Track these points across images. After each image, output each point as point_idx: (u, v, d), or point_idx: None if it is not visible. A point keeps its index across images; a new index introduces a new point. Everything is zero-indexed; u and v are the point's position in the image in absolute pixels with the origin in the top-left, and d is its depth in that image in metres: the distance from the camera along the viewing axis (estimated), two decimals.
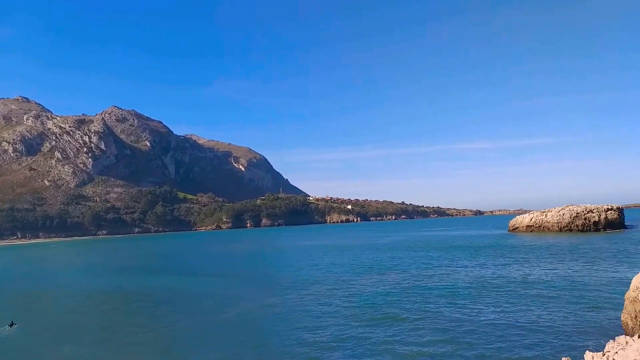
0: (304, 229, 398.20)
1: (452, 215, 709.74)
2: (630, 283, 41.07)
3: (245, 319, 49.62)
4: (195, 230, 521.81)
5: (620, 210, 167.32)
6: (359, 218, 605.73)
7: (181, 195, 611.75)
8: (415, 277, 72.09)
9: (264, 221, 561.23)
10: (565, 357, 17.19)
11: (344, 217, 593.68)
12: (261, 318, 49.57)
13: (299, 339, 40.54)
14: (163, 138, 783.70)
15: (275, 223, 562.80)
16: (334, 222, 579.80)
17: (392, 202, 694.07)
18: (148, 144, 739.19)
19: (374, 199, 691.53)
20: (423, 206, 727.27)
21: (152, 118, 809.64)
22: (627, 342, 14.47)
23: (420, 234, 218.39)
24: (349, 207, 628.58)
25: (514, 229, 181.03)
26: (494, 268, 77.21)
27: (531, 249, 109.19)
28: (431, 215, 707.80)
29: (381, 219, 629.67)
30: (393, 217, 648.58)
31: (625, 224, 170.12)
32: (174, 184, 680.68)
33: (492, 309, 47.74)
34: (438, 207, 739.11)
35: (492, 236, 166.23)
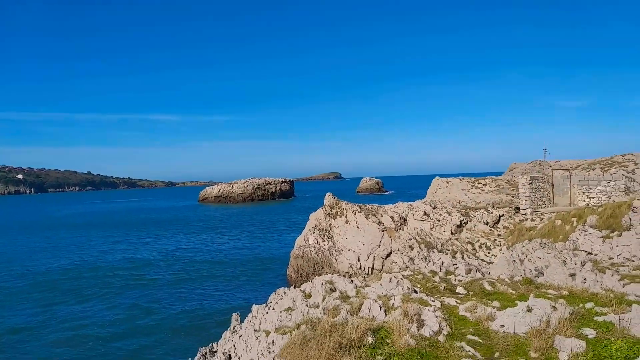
0: None
1: (143, 187, 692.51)
2: (295, 243, 49.14)
3: None
4: None
5: (291, 182, 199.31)
6: (32, 189, 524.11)
7: None
8: (100, 253, 67.60)
9: None
10: (236, 313, 19.00)
11: (12, 189, 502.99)
12: None
13: None
14: None
15: None
16: None
17: (75, 172, 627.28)
18: None
19: (53, 168, 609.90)
20: (112, 177, 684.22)
21: None
22: (285, 293, 17.05)
23: (109, 207, 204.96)
24: (20, 176, 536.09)
25: (203, 200, 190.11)
26: (183, 240, 79.37)
27: (218, 219, 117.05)
28: (121, 187, 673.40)
29: (62, 190, 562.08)
30: (77, 189, 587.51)
31: (295, 194, 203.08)
32: None
33: (172, 275, 49.41)
34: (129, 178, 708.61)
35: (183, 207, 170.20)
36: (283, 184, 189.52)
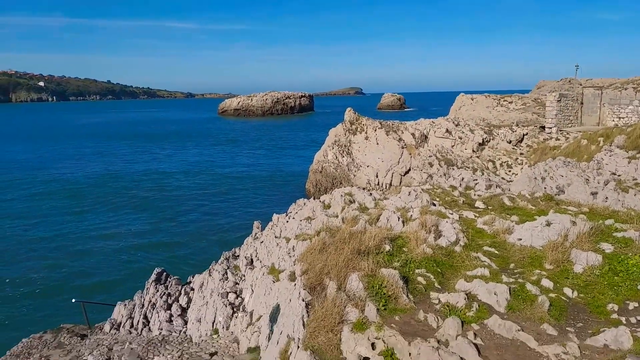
0: None
1: (163, 97, 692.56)
2: (314, 158, 49.51)
3: None
4: None
5: (311, 97, 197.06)
6: (54, 97, 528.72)
7: None
8: (124, 162, 69.26)
9: None
10: (257, 221, 19.66)
11: (35, 96, 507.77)
12: None
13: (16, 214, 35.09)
14: None
15: None
16: (21, 102, 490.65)
17: (95, 81, 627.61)
18: None
19: (74, 76, 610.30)
20: (132, 86, 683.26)
21: None
22: (304, 203, 17.47)
23: (130, 116, 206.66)
24: (41, 83, 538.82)
25: (223, 112, 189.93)
26: (205, 152, 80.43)
27: (238, 132, 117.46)
28: (141, 97, 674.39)
29: (83, 99, 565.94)
30: (98, 97, 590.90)
31: (315, 109, 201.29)
32: None
33: (194, 186, 50.89)
34: (148, 88, 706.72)
35: (203, 120, 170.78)
36: (302, 99, 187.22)
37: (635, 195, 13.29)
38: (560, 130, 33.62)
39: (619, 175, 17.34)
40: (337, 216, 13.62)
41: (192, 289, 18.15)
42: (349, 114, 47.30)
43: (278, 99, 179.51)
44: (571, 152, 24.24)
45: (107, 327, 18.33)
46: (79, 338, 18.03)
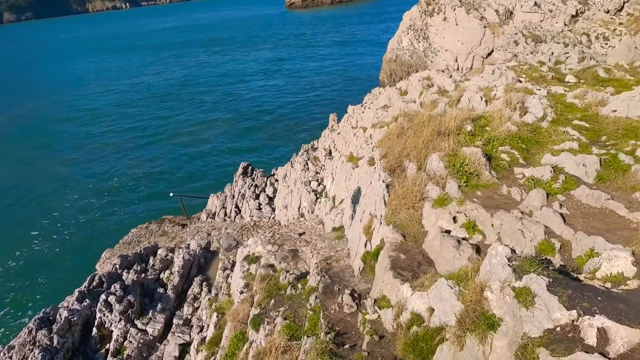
0: (62, 22, 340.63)
1: None
2: (387, 46, 47.47)
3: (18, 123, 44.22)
4: None
5: None
6: (128, 4, 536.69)
7: None
8: (201, 67, 70.74)
9: (7, 16, 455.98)
10: (333, 113, 19.80)
11: (109, 4, 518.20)
12: (43, 120, 44.75)
13: (120, 117, 38.57)
14: None
15: (22, 17, 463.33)
16: (97, 11, 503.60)
17: None
18: None
19: None
20: None
21: None
22: (379, 93, 17.22)
23: (199, 17, 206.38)
24: None
25: (290, 5, 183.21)
26: (278, 52, 79.23)
27: (308, 27, 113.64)
28: None
29: (154, 3, 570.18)
30: (168, 1, 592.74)
31: None
32: None
33: (271, 85, 51.33)
34: None
35: (272, 16, 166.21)
36: None
37: None
38: None
39: None
40: (414, 101, 13.37)
41: (277, 180, 19.24)
42: None
43: None
44: None
45: (203, 216, 20.20)
46: (180, 227, 20.15)
